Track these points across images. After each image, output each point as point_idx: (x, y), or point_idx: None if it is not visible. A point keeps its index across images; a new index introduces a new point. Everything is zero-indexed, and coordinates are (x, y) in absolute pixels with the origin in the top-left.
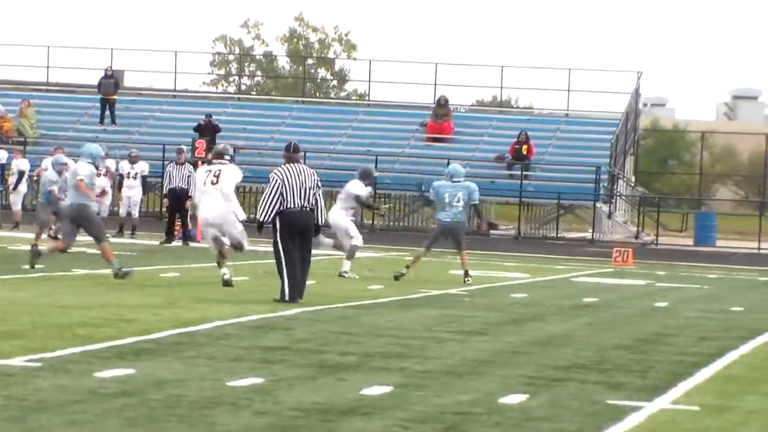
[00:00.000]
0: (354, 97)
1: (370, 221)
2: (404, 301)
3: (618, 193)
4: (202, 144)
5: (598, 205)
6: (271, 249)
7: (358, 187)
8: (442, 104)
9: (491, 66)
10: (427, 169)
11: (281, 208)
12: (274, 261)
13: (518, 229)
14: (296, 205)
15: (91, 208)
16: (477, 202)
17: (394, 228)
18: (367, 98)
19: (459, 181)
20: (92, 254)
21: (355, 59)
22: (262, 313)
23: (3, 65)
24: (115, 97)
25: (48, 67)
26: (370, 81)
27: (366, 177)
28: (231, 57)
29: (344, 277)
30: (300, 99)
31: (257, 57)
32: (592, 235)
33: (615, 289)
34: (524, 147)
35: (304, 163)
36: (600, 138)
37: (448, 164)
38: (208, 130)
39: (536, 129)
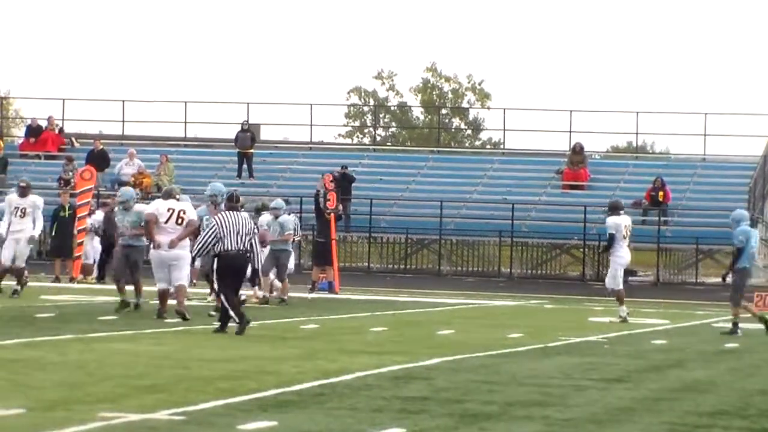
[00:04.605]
0: (489, 146)
1: (508, 270)
2: (544, 349)
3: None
4: (333, 195)
5: None
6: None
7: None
8: (577, 151)
9: (626, 112)
10: (563, 216)
11: (219, 251)
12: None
13: (657, 275)
14: (233, 248)
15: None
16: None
17: (533, 276)
18: (501, 147)
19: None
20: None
21: (489, 108)
22: (402, 363)
23: (141, 121)
24: (251, 150)
25: (185, 123)
26: (504, 129)
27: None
28: (366, 108)
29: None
30: (435, 149)
31: (392, 108)
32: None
33: (757, 333)
34: (660, 192)
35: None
36: (738, 182)
37: (585, 211)
38: (343, 182)
39: (673, 174)
